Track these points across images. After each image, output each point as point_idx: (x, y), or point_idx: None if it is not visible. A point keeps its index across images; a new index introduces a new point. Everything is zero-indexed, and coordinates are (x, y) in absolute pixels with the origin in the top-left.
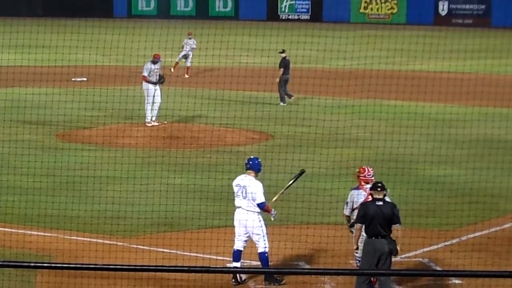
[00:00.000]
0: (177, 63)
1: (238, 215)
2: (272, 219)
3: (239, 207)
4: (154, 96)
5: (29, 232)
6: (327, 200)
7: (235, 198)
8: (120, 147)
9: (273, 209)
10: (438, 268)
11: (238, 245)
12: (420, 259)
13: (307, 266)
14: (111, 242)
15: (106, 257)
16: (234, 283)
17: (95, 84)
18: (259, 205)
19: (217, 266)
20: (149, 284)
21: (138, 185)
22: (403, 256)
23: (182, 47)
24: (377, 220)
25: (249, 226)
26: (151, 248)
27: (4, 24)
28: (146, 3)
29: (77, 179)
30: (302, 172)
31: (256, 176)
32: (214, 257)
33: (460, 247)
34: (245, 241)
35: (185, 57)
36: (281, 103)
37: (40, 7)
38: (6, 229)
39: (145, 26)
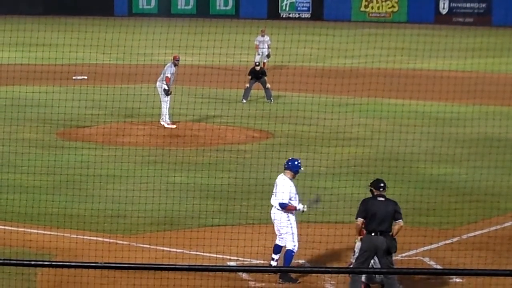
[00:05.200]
0: (264, 63)
1: (272, 213)
2: (303, 211)
3: (273, 206)
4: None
5: (30, 230)
6: (328, 199)
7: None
8: (120, 146)
9: (300, 204)
10: (439, 267)
11: (277, 241)
12: (421, 258)
13: (308, 265)
14: (112, 241)
15: (107, 255)
16: (280, 282)
17: (95, 83)
18: (280, 204)
19: (218, 265)
20: (150, 283)
21: (138, 184)
22: (404, 254)
23: (257, 47)
24: (378, 216)
25: (276, 222)
26: (152, 247)
27: (4, 22)
28: (146, 2)
29: (77, 177)
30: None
31: (292, 177)
32: (215, 255)
33: (460, 245)
34: (282, 238)
35: (268, 56)
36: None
37: (41, 5)
38: (6, 228)
39: (146, 24)
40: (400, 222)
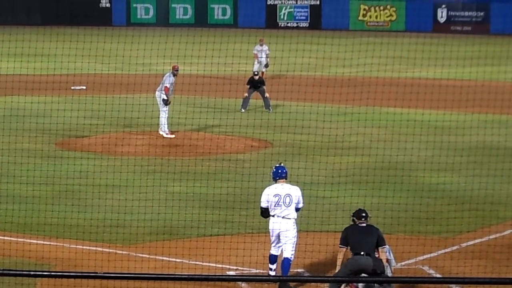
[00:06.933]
0: (263, 73)
1: (273, 224)
2: None
3: (275, 216)
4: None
5: (29, 240)
6: (326, 208)
7: (275, 207)
8: (119, 156)
9: None
10: (438, 275)
11: (273, 251)
12: (420, 266)
13: (307, 274)
14: (111, 251)
15: (106, 265)
16: None
17: (94, 93)
18: (300, 208)
19: (217, 274)
20: None
21: (137, 194)
22: (403, 263)
23: (255, 56)
24: (361, 240)
25: (284, 232)
26: (151, 257)
27: (3, 32)
28: (145, 11)
29: (76, 187)
30: None
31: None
32: (214, 265)
33: (460, 254)
34: (280, 247)
35: (266, 65)
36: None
37: (39, 15)
38: (5, 238)
39: (144, 34)
40: (385, 248)
